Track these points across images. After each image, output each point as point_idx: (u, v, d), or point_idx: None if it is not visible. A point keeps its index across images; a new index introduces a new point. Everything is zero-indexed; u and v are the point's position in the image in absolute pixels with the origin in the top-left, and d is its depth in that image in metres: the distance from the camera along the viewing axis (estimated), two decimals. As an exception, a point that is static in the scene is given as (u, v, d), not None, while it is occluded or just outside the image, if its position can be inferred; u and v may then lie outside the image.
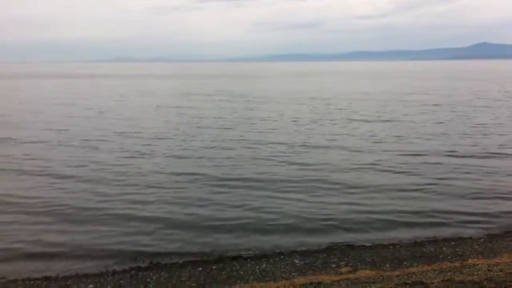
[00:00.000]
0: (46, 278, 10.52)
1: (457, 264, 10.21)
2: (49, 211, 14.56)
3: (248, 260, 11.28)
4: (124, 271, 10.84)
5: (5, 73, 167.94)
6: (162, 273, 10.57)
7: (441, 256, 11.11)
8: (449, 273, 9.17)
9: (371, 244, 12.26)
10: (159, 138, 27.05)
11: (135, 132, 29.33)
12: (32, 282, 10.32)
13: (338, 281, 9.26)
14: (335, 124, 32.60)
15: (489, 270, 8.88)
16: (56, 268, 11.07)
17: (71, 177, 18.39)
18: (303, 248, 11.99)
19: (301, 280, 9.57)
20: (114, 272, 10.79)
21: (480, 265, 9.57)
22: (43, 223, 13.70)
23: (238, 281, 9.98)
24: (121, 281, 10.17)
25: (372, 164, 20.24)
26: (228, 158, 21.72)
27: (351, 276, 9.83)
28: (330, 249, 11.93)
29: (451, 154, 22.25)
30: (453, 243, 12.15)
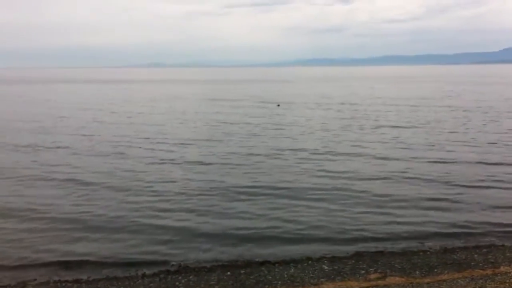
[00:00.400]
0: (77, 281, 10.71)
1: (489, 271, 10.05)
2: (78, 219, 14.62)
3: (276, 265, 11.27)
4: (154, 274, 10.96)
5: (42, 79, 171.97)
6: (191, 277, 10.65)
7: (472, 263, 10.92)
8: (480, 281, 9.04)
9: (401, 251, 12.13)
10: (186, 144, 27.21)
11: (162, 138, 29.55)
12: (63, 284, 10.53)
13: (367, 287, 9.21)
14: (363, 130, 32.35)
15: (522, 278, 8.73)
16: (87, 272, 11.25)
17: (99, 184, 18.44)
18: (332, 254, 11.95)
19: (329, 286, 9.56)
20: (143, 276, 10.92)
21: (512, 273, 9.41)
22: (73, 230, 13.82)
23: (266, 286, 9.99)
24: (151, 284, 10.29)
25: (401, 172, 19.94)
26: (254, 164, 21.70)
27: (380, 282, 9.77)
28: (359, 255, 11.84)
29: (482, 161, 21.80)
30: (484, 250, 11.93)
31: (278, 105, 51.33)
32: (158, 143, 27.74)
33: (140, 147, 26.33)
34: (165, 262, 11.68)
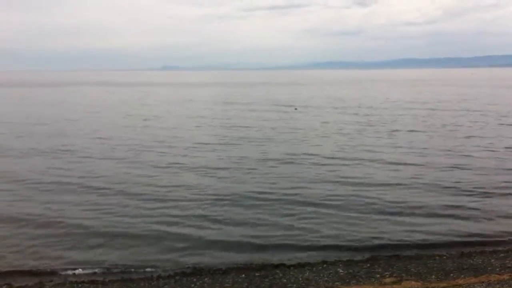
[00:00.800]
0: (93, 282, 10.84)
1: (506, 276, 9.95)
2: (93, 225, 14.57)
3: (291, 268, 11.28)
4: (169, 276, 11.04)
5: (56, 81, 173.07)
6: (206, 279, 10.69)
7: (489, 268, 10.81)
8: (497, 286, 8.96)
9: (417, 255, 12.07)
10: (200, 149, 27.28)
11: (177, 141, 29.76)
12: (80, 285, 10.64)
13: (382, 291, 9.18)
14: (379, 134, 32.05)
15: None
16: (101, 274, 11.37)
17: (112, 189, 18.47)
18: (347, 258, 11.93)
19: (344, 289, 9.53)
20: (158, 277, 11.00)
21: (530, 278, 9.30)
22: (88, 235, 13.84)
23: (281, 289, 10.01)
24: (165, 286, 10.36)
25: (415, 177, 19.76)
26: (269, 170, 21.60)
27: (395, 286, 9.73)
28: (375, 259, 11.79)
29: (499, 167, 21.54)
30: (502, 255, 11.82)
31: (296, 109, 51.26)
32: (171, 147, 27.81)
33: (154, 151, 26.43)
34: (180, 265, 11.75)
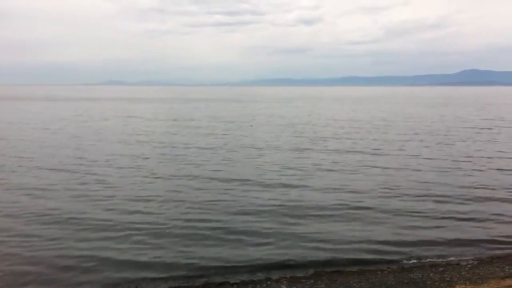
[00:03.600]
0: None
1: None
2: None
3: (235, 286, 11.25)
4: None
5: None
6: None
7: (428, 282, 11.06)
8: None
9: (359, 270, 12.17)
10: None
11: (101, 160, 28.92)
12: None
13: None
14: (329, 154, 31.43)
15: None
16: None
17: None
18: (291, 275, 11.88)
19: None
20: None
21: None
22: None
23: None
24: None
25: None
26: (203, 188, 21.46)
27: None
28: (318, 275, 11.85)
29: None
30: (440, 269, 12.10)
31: (251, 126, 50.73)
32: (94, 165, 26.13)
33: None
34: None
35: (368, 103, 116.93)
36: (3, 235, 14.69)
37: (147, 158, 28.52)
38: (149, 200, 18.70)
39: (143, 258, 12.99)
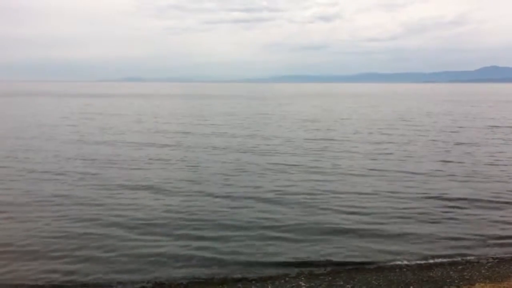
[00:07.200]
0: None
1: (465, 288, 10.10)
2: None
3: (253, 282, 11.23)
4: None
5: (18, 91, 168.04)
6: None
7: (448, 280, 10.98)
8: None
9: (378, 267, 12.15)
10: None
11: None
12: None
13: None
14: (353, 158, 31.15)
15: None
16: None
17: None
18: (309, 272, 11.89)
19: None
20: None
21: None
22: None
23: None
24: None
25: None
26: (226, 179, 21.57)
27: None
28: (336, 272, 11.79)
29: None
30: (460, 267, 12.02)
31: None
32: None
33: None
34: (140, 281, 11.45)
35: (410, 100, 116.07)
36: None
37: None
38: (174, 193, 19.11)
39: (162, 250, 13.11)
